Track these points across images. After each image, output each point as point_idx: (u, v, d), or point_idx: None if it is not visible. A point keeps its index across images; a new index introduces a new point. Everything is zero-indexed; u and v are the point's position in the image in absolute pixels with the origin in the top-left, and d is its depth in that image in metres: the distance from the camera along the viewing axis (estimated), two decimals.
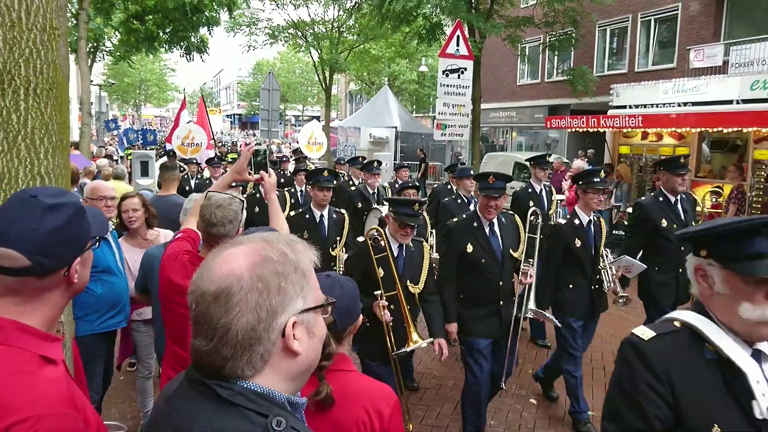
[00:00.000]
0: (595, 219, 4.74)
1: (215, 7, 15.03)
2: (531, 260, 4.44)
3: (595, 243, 4.67)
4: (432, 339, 3.85)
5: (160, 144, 22.72)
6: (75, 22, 12.96)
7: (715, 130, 11.16)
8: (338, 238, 5.23)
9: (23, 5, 2.04)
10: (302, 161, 12.11)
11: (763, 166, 10.68)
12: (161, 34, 17.17)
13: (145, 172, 10.09)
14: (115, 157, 16.71)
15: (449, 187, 7.51)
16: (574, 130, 13.98)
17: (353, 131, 25.52)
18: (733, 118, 10.37)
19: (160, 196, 5.82)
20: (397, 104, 27.02)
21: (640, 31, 19.82)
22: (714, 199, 10.20)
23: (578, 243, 4.60)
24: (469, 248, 4.18)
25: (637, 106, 14.03)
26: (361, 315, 2.18)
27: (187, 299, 1.09)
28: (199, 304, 1.05)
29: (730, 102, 11.99)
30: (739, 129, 10.63)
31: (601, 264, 4.75)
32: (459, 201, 6.50)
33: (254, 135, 41.67)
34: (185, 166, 11.79)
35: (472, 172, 6.48)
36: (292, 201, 7.55)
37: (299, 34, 26.62)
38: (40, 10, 2.08)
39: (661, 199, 5.03)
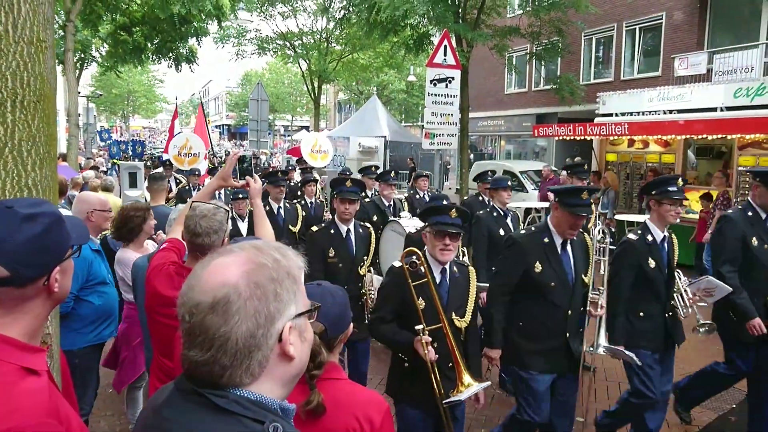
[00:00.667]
0: (668, 235, 4.04)
1: (203, 18, 15.04)
2: (601, 288, 3.89)
3: (669, 263, 3.99)
4: (489, 382, 3.48)
5: (155, 156, 22.58)
6: (62, 33, 12.94)
7: (700, 137, 11.30)
8: (365, 257, 4.69)
9: (10, 18, 2.04)
10: (309, 171, 11.52)
11: (748, 173, 10.81)
12: (149, 45, 17.18)
13: (133, 184, 10.05)
14: (102, 168, 16.60)
15: (481, 198, 7.01)
16: (561, 138, 14.09)
17: (342, 141, 25.52)
18: (718, 126, 10.50)
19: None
20: (385, 114, 27.07)
21: (626, 40, 20.07)
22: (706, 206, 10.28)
23: (652, 263, 3.90)
24: (538, 268, 3.58)
25: (623, 114, 14.18)
26: (351, 324, 2.19)
27: (178, 311, 1.09)
28: (193, 315, 1.04)
29: (714, 109, 12.14)
30: (724, 136, 10.76)
31: (676, 287, 4.06)
32: (495, 214, 5.74)
33: (242, 146, 41.60)
34: (182, 178, 11.38)
35: (509, 183, 5.93)
36: (304, 214, 7.24)
37: (288, 44, 26.69)
38: (27, 23, 2.08)
39: (750, 214, 4.31)
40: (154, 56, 18.25)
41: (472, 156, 23.85)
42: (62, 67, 13.34)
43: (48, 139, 2.19)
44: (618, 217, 11.55)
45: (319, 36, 26.63)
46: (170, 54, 17.62)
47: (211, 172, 10.57)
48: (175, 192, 10.42)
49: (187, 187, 10.22)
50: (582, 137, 13.12)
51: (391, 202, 7.37)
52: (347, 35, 24.22)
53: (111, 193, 8.05)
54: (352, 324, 2.18)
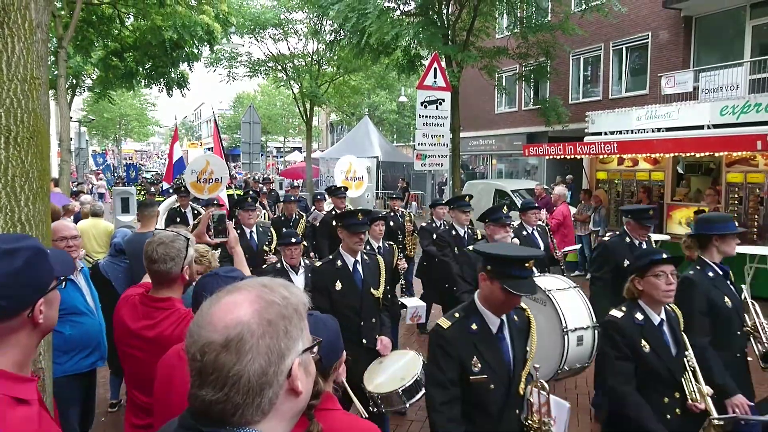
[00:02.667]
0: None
1: (195, 43, 15.16)
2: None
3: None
4: None
5: (148, 180, 22.16)
6: (54, 59, 13.00)
7: (688, 154, 11.43)
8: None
9: (4, 56, 2.07)
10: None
11: (736, 189, 10.93)
12: (141, 70, 17.27)
13: (125, 209, 10.06)
14: (102, 190, 16.47)
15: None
16: (552, 156, 14.21)
17: (334, 162, 25.66)
18: (705, 144, 10.63)
19: (139, 233, 5.71)
20: (377, 134, 27.29)
21: (613, 60, 20.36)
22: None
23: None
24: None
25: (612, 133, 14.33)
26: (344, 352, 2.20)
27: (187, 350, 1.09)
28: (205, 354, 1.04)
29: (701, 127, 12.30)
30: (712, 153, 10.89)
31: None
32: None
33: (236, 167, 41.62)
34: (201, 209, 9.47)
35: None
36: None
37: (279, 67, 26.87)
38: (21, 61, 2.12)
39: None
40: (146, 81, 18.33)
41: (464, 175, 24.00)
42: (54, 93, 13.38)
43: (41, 174, 2.22)
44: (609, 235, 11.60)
45: (310, 59, 26.84)
46: (162, 79, 17.71)
47: (230, 199, 9.66)
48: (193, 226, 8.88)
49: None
50: (572, 156, 13.24)
51: (466, 229, 6.42)
52: (338, 57, 24.43)
53: (101, 218, 8.03)
54: (345, 352, 2.19)
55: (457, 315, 2.77)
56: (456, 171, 16.68)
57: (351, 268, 4.30)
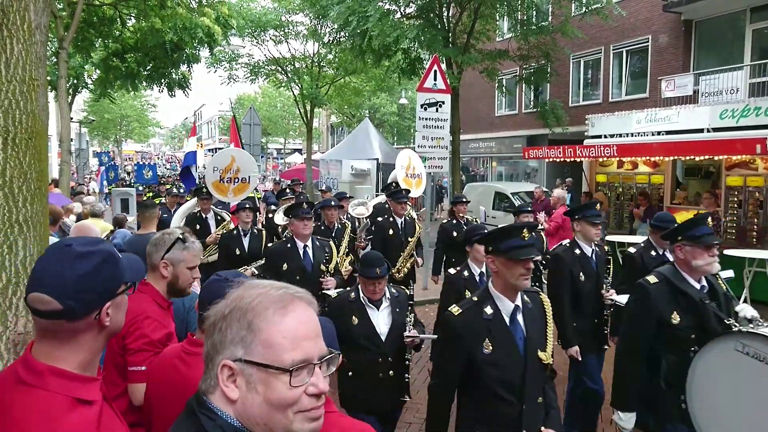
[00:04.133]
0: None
1: (195, 44, 15.19)
2: None
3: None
4: None
5: (169, 181, 21.62)
6: (55, 60, 13.03)
7: (688, 158, 11.43)
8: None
9: (2, 57, 2.08)
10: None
11: (735, 193, 10.93)
12: (141, 71, 17.31)
13: (125, 210, 10.04)
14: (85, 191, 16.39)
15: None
16: (551, 159, 14.23)
17: (335, 164, 25.63)
18: (704, 147, 10.63)
19: (139, 235, 5.63)
20: (378, 136, 27.25)
21: (613, 63, 20.38)
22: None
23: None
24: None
25: (611, 136, 14.34)
26: (341, 354, 2.20)
27: None
28: None
29: (700, 131, 12.31)
30: (711, 156, 10.89)
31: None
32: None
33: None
34: (225, 215, 8.10)
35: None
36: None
37: (280, 69, 26.93)
38: (20, 62, 2.12)
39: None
40: (147, 82, 18.37)
41: (464, 177, 24.01)
42: (55, 93, 13.40)
43: (39, 176, 2.22)
44: (609, 238, 11.61)
45: (310, 60, 26.89)
46: (162, 80, 17.75)
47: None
48: (215, 234, 7.37)
49: (235, 233, 6.67)
50: (572, 159, 13.25)
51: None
52: (339, 59, 24.47)
53: (101, 218, 8.02)
54: (341, 355, 2.19)
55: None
56: (456, 173, 16.70)
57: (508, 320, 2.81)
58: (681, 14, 17.46)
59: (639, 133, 14.04)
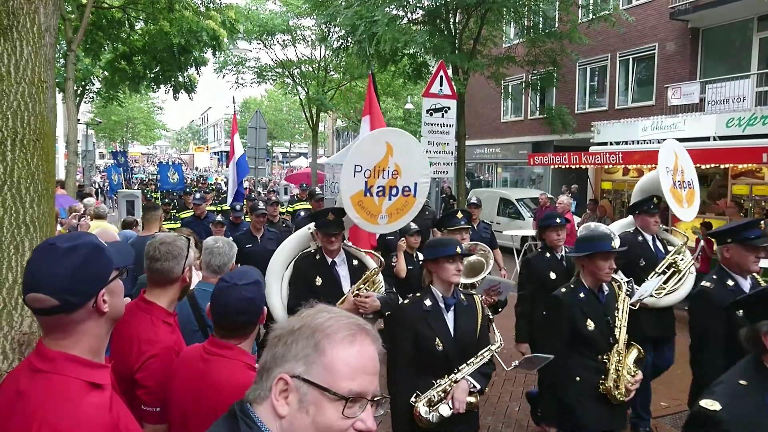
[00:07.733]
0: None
1: (202, 47, 15.27)
2: None
3: None
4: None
5: (200, 185, 19.96)
6: (63, 62, 13.11)
7: (694, 166, 11.37)
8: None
9: (12, 60, 2.10)
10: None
11: (742, 201, 10.89)
12: (148, 73, 17.40)
13: (131, 212, 10.08)
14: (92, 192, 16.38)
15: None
16: (557, 166, 14.21)
17: (340, 168, 25.76)
18: (710, 155, 10.61)
19: (142, 237, 5.64)
20: None
21: (620, 70, 20.35)
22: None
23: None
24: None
25: (617, 143, 14.32)
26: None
27: None
28: None
29: (707, 139, 12.27)
30: (717, 165, 10.85)
31: None
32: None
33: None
34: (362, 253, 4.72)
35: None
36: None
37: (286, 73, 27.00)
38: (29, 64, 2.15)
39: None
40: (154, 84, 18.46)
41: (469, 183, 24.00)
42: (62, 95, 13.47)
43: (46, 177, 2.24)
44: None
45: (317, 65, 26.95)
46: (169, 82, 17.84)
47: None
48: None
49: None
50: (577, 166, 13.23)
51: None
52: (345, 64, 24.52)
53: (105, 220, 8.05)
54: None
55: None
56: (461, 178, 16.69)
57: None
58: (688, 22, 17.44)
59: (645, 140, 14.01)
